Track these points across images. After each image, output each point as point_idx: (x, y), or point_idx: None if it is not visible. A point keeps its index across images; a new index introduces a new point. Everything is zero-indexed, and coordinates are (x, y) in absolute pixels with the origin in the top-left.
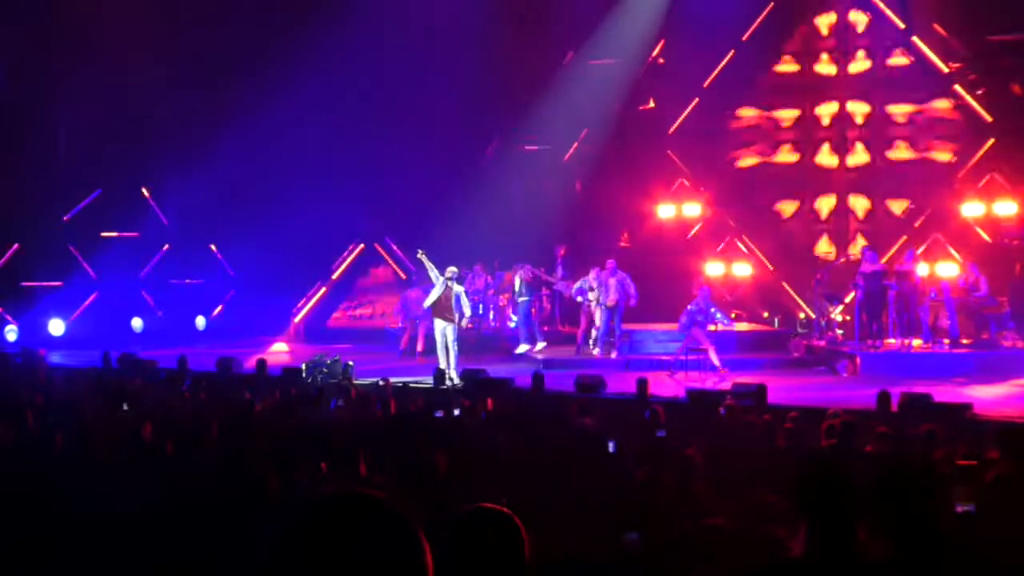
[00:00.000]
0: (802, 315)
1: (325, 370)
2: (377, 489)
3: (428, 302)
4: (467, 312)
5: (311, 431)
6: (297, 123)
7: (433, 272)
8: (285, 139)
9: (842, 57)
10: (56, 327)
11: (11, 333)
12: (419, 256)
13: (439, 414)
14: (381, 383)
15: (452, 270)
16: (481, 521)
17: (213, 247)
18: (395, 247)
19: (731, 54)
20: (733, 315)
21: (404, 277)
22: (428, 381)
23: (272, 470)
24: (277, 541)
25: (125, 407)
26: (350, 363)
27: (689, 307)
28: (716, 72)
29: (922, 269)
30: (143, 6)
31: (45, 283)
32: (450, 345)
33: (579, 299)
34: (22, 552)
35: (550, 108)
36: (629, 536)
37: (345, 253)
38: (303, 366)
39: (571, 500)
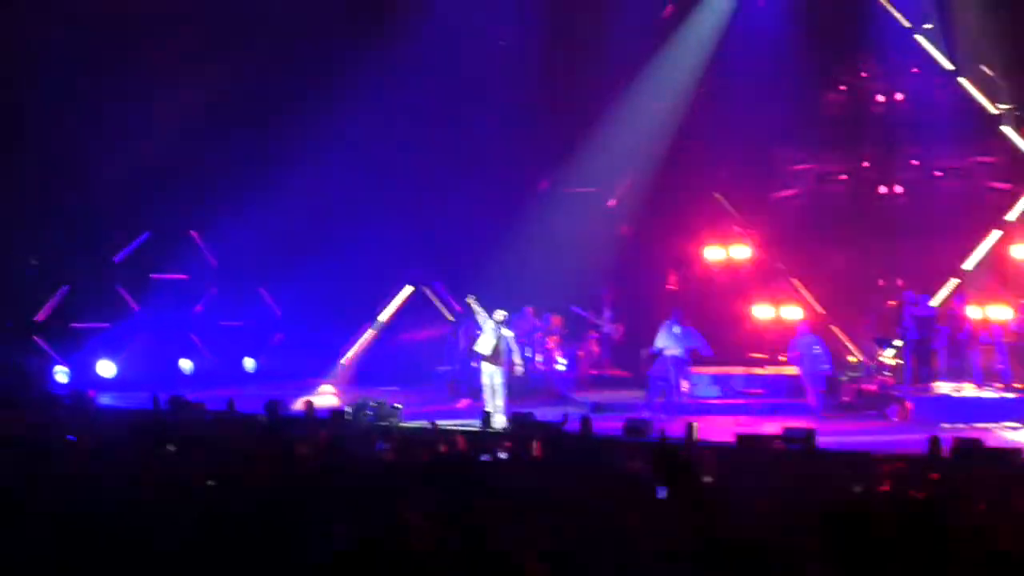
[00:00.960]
0: (852, 358)
1: (370, 412)
2: (420, 532)
3: (479, 347)
4: (516, 358)
5: (356, 473)
6: (345, 165)
7: (482, 317)
8: (333, 181)
9: (890, 97)
10: (105, 369)
11: (61, 375)
12: (468, 301)
13: (486, 457)
14: (428, 425)
15: (501, 314)
16: None
17: (262, 289)
18: (443, 290)
19: (779, 95)
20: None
21: (452, 320)
22: (476, 424)
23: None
24: None
25: (172, 448)
26: (397, 405)
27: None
28: (763, 114)
29: (974, 312)
30: (191, 51)
31: (95, 324)
32: (498, 388)
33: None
34: None
35: (597, 150)
36: None
37: (393, 295)
38: (347, 409)
39: (619, 545)
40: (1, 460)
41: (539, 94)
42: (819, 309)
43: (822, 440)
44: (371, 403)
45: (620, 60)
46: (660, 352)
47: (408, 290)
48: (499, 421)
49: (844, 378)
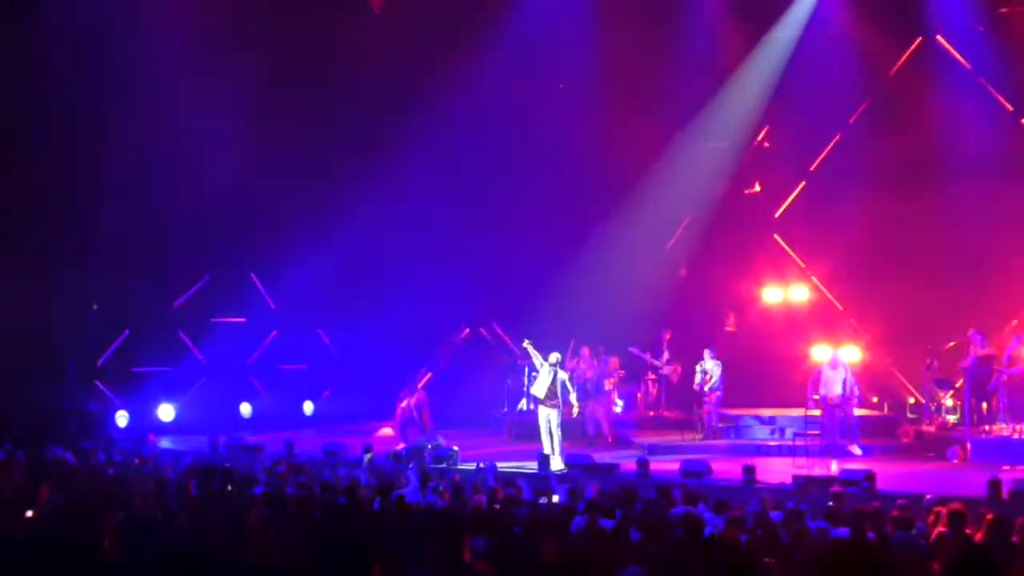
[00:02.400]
0: (912, 400)
1: (425, 455)
2: None
3: (535, 389)
4: (573, 400)
5: (414, 517)
6: (402, 208)
7: (538, 359)
8: (390, 225)
9: (953, 137)
10: (166, 412)
11: (122, 418)
12: (525, 345)
13: (543, 500)
14: (482, 465)
15: (556, 356)
16: None
17: (320, 332)
18: (500, 331)
19: (837, 137)
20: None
21: (508, 361)
22: (533, 466)
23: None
24: None
25: (231, 489)
26: (455, 448)
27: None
28: (823, 155)
29: None
30: (251, 99)
31: (155, 368)
32: (554, 430)
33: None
34: None
35: (655, 192)
36: None
37: (450, 337)
38: (403, 452)
39: None
40: (65, 506)
41: (596, 136)
42: (878, 350)
43: (881, 483)
44: (427, 446)
45: (677, 102)
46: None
47: (465, 332)
48: (556, 463)
49: (905, 420)
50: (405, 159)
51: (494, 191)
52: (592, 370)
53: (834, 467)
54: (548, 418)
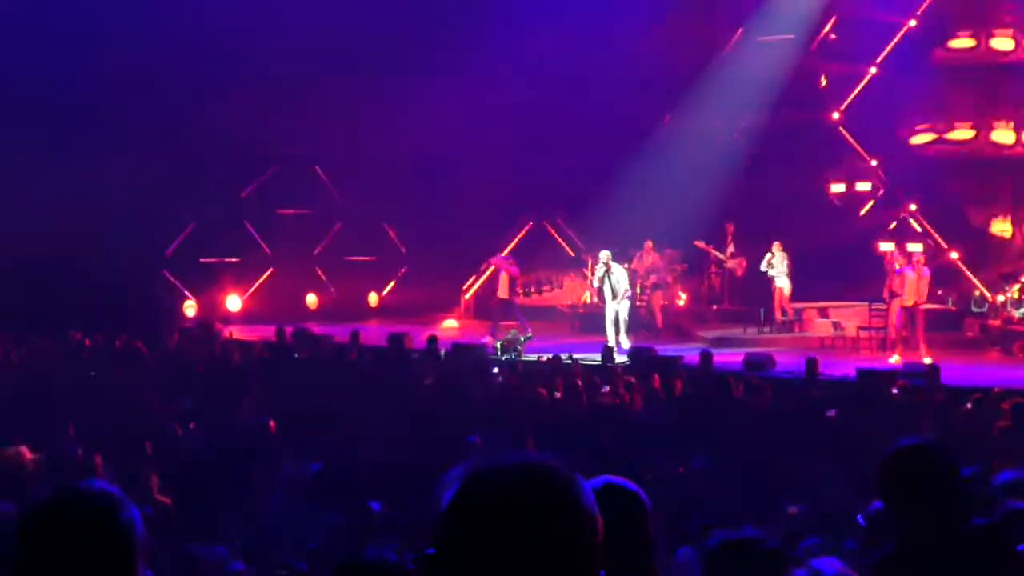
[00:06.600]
0: (977, 293)
1: (520, 347)
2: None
3: (596, 284)
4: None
5: (481, 406)
6: (468, 101)
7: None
8: (455, 119)
9: (1021, 33)
10: (233, 303)
11: (190, 308)
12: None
13: (606, 389)
14: (544, 359)
15: (606, 254)
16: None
17: (385, 225)
18: (564, 225)
19: (904, 29)
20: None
21: (573, 255)
22: (596, 358)
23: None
24: (443, 507)
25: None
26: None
27: None
28: (889, 48)
29: None
30: None
31: (222, 259)
32: (621, 324)
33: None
34: None
35: (720, 85)
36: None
37: (515, 230)
38: (498, 344)
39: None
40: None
41: (665, 27)
42: (944, 244)
43: (945, 376)
44: (520, 338)
45: None
46: None
47: (529, 225)
48: (620, 355)
49: (970, 313)
50: (473, 48)
51: (560, 84)
52: (654, 263)
53: (897, 359)
54: (613, 312)
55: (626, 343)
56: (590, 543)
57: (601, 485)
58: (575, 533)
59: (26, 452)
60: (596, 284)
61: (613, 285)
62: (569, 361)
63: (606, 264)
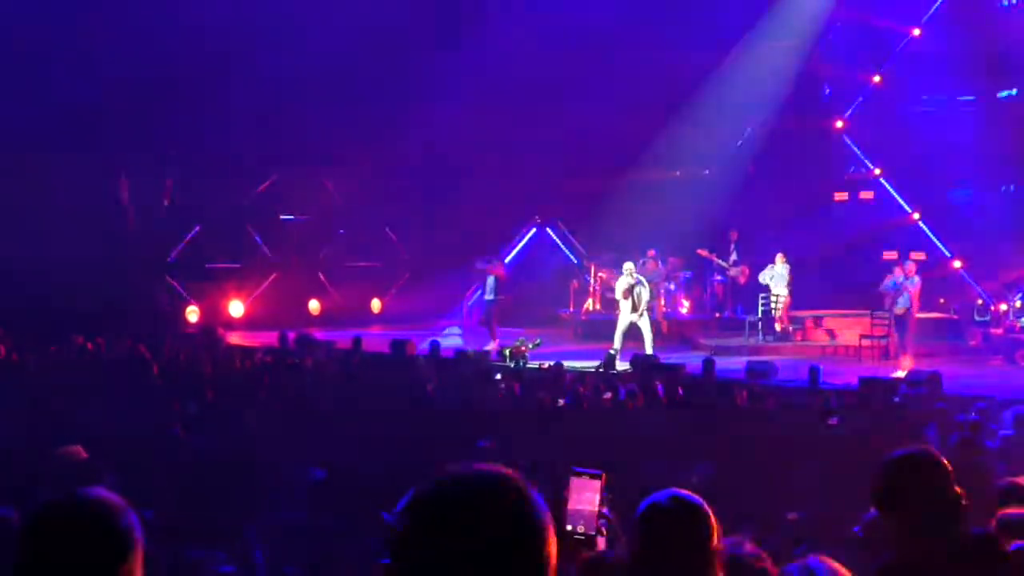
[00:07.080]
0: (980, 302)
1: (527, 354)
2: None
3: (615, 293)
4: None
5: (483, 413)
6: (470, 106)
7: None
8: (458, 124)
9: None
10: (236, 308)
11: (192, 314)
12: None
13: (607, 396)
14: (546, 366)
15: (629, 266)
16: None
17: (388, 230)
18: (566, 231)
19: (909, 36)
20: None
21: (575, 262)
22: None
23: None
24: (395, 517)
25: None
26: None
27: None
28: (894, 55)
29: None
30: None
31: (225, 265)
32: (645, 334)
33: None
34: None
35: (722, 92)
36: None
37: (517, 237)
38: (506, 351)
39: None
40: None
41: (665, 34)
42: (947, 253)
43: (947, 385)
44: (528, 345)
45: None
46: None
47: (531, 231)
48: (622, 363)
49: (973, 323)
50: (477, 50)
51: (559, 91)
52: (654, 271)
53: (905, 365)
54: (633, 322)
55: (650, 350)
56: (539, 553)
57: (667, 498)
58: (522, 542)
59: (81, 451)
60: (620, 295)
61: (636, 298)
62: (571, 368)
63: (632, 275)
